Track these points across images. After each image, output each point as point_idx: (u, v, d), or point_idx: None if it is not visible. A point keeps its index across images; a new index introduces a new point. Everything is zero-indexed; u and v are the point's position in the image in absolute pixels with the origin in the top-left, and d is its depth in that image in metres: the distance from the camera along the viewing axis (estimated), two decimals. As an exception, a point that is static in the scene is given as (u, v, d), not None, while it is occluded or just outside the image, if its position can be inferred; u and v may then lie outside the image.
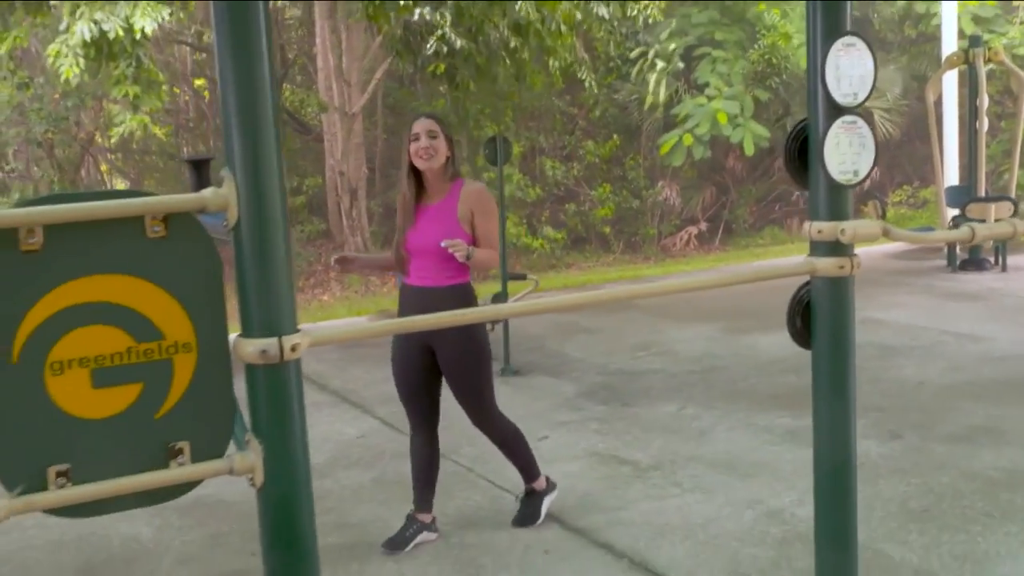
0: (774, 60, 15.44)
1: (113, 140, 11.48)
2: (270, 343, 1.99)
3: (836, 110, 2.31)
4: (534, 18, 9.76)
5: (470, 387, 3.99)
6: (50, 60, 8.98)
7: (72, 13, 8.67)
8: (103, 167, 16.52)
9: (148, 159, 17.94)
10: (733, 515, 4.01)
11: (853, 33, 2.32)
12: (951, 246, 10.70)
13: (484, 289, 8.12)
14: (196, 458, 2.08)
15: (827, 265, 2.33)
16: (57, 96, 12.22)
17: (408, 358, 4.00)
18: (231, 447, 2.04)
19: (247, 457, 2.06)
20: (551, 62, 11.09)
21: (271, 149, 1.99)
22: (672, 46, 15.95)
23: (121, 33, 8.56)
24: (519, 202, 15.86)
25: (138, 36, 8.71)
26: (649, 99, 15.86)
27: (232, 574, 3.85)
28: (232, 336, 2.00)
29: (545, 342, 7.79)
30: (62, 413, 1.98)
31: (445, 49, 10.16)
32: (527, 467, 4.19)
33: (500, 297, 6.65)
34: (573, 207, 16.94)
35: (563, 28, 10.10)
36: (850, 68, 2.31)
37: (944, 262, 10.82)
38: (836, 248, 2.32)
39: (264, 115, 1.96)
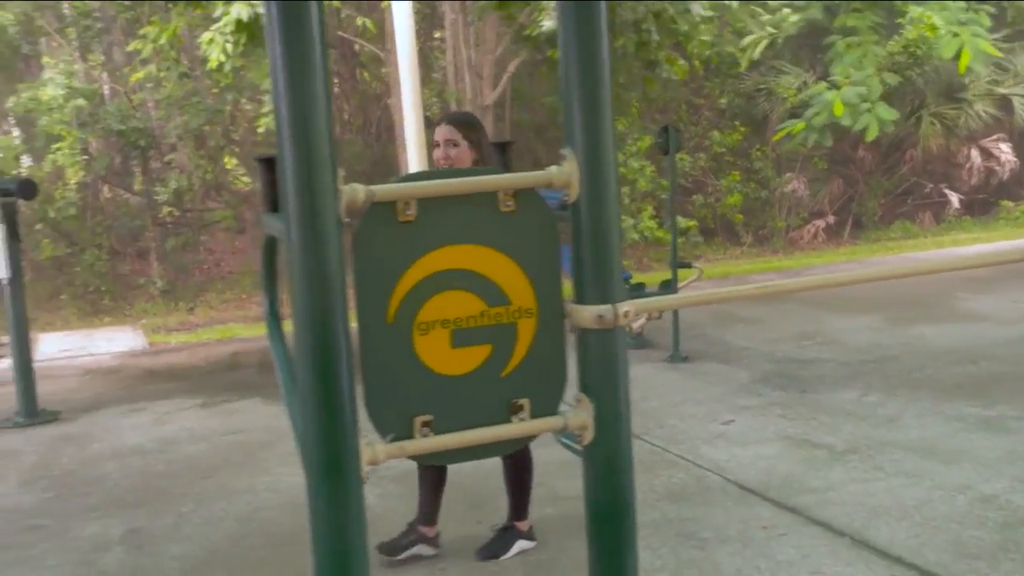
0: (917, 51, 15.10)
1: (260, 131, 11.93)
2: (606, 309, 2.13)
3: None
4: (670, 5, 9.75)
5: None
6: (203, 48, 9.27)
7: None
8: (227, 161, 17.04)
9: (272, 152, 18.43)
10: (945, 499, 4.06)
11: None
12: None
13: (650, 278, 8.26)
14: (534, 414, 2.26)
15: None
16: (216, 91, 12.74)
17: None
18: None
19: (579, 415, 2.21)
20: (690, 48, 11.07)
21: (607, 130, 2.13)
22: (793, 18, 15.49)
23: None
24: (649, 195, 15.90)
25: None
26: (744, 57, 15.31)
27: (460, 539, 4.06)
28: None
29: (705, 330, 7.89)
30: (427, 369, 2.17)
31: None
32: (523, 502, 3.94)
33: (669, 285, 6.76)
34: (700, 199, 16.88)
35: (702, 15, 10.08)
36: None
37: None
38: None
39: (603, 97, 2.10)
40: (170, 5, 9.88)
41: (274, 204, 2.58)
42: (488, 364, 2.20)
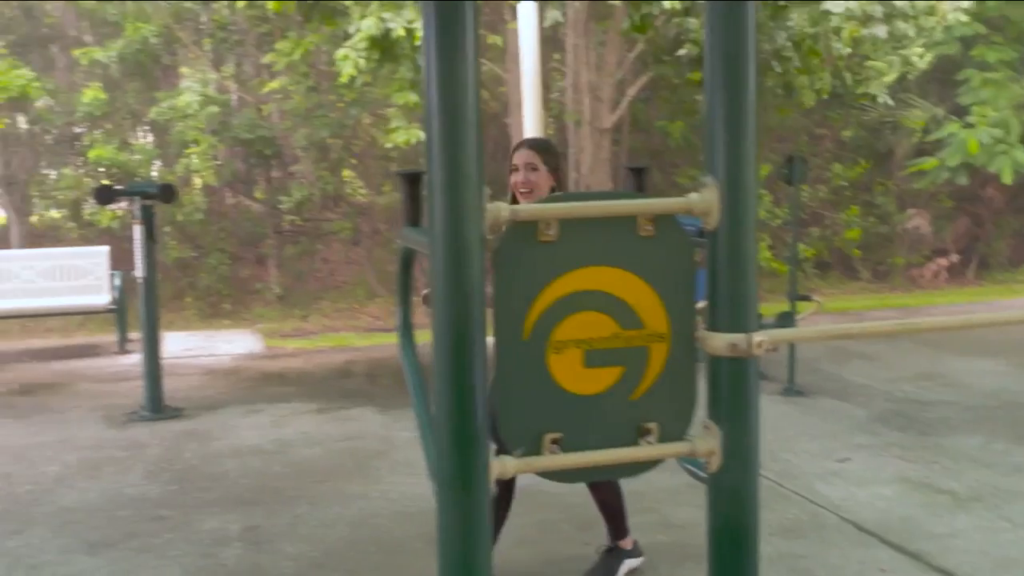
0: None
1: (389, 146, 12.16)
2: (740, 338, 2.12)
3: None
4: (811, 29, 9.62)
5: None
6: (337, 64, 9.52)
7: (360, 16, 9.17)
8: (345, 173, 17.39)
9: (390, 166, 18.76)
10: (1080, 556, 3.91)
11: None
12: None
13: (763, 309, 8.15)
14: (662, 438, 2.27)
15: None
16: (341, 104, 13.04)
17: None
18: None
19: (707, 442, 2.21)
20: (819, 77, 10.91)
21: (750, 159, 2.13)
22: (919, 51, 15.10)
23: (403, 33, 8.97)
24: (764, 225, 15.67)
25: (418, 42, 9.15)
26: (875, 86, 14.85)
27: (567, 559, 4.08)
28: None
29: (821, 364, 7.74)
30: (559, 387, 2.20)
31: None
32: (619, 521, 3.92)
33: (787, 317, 6.66)
34: (817, 231, 16.57)
35: (841, 44, 9.93)
36: None
37: None
38: None
39: (747, 126, 2.10)
40: (305, 24, 10.19)
41: (414, 218, 2.67)
42: (619, 386, 2.23)
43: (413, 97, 9.76)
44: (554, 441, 2.19)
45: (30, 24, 14.73)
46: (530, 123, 10.67)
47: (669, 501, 4.69)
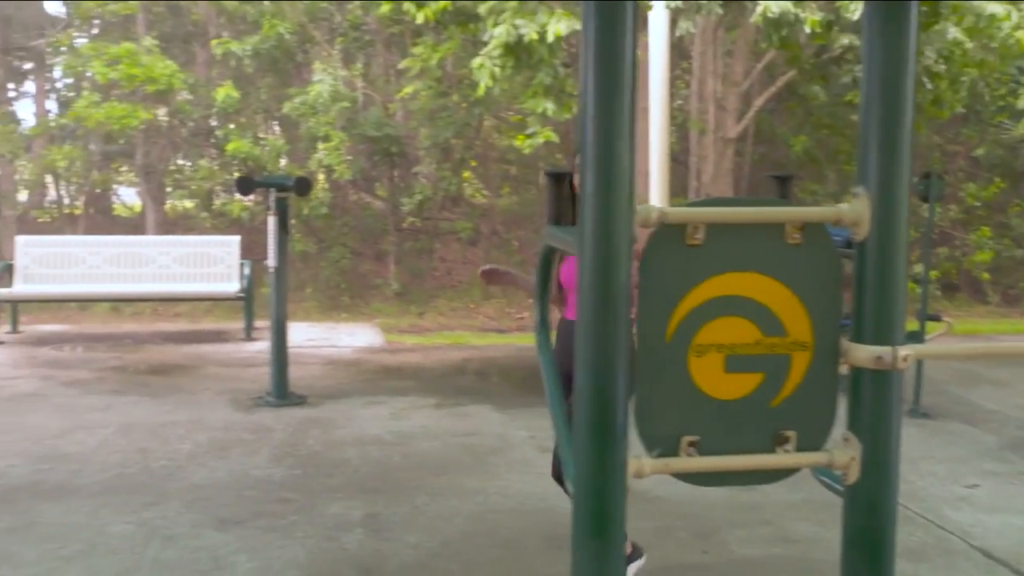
0: None
1: (525, 150, 12.23)
2: (885, 351, 2.10)
3: None
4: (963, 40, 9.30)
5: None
6: (474, 72, 9.62)
7: (493, 24, 9.25)
8: (465, 174, 17.59)
9: (509, 169, 18.89)
10: None
11: None
12: None
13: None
14: (800, 447, 2.25)
15: None
16: (464, 104, 13.22)
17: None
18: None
19: (846, 453, 2.19)
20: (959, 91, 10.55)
21: (904, 171, 2.10)
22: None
23: (535, 37, 9.00)
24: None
25: (550, 39, 9.15)
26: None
27: (685, 567, 4.07)
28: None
29: (948, 387, 7.51)
30: (698, 391, 2.21)
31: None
32: None
33: (916, 336, 6.49)
34: (946, 251, 16.07)
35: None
36: None
37: None
38: None
39: (902, 138, 2.08)
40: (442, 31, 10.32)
41: (557, 216, 2.71)
42: (758, 392, 2.22)
43: (550, 106, 9.71)
44: (691, 443, 2.21)
45: (175, 20, 15.35)
46: (655, 131, 10.63)
47: (787, 515, 4.63)
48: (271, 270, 6.83)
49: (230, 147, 12.86)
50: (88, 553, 4.10)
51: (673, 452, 2.21)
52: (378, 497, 4.87)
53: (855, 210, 2.11)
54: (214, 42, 13.61)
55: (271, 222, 6.72)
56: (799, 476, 5.04)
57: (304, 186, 6.84)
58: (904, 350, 2.12)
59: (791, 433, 2.24)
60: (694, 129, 14.85)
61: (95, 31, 15.77)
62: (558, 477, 3.67)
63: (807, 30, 9.49)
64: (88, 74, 13.58)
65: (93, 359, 8.50)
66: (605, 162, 2.00)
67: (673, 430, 2.19)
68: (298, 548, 4.19)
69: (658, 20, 10.65)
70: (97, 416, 6.41)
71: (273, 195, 6.68)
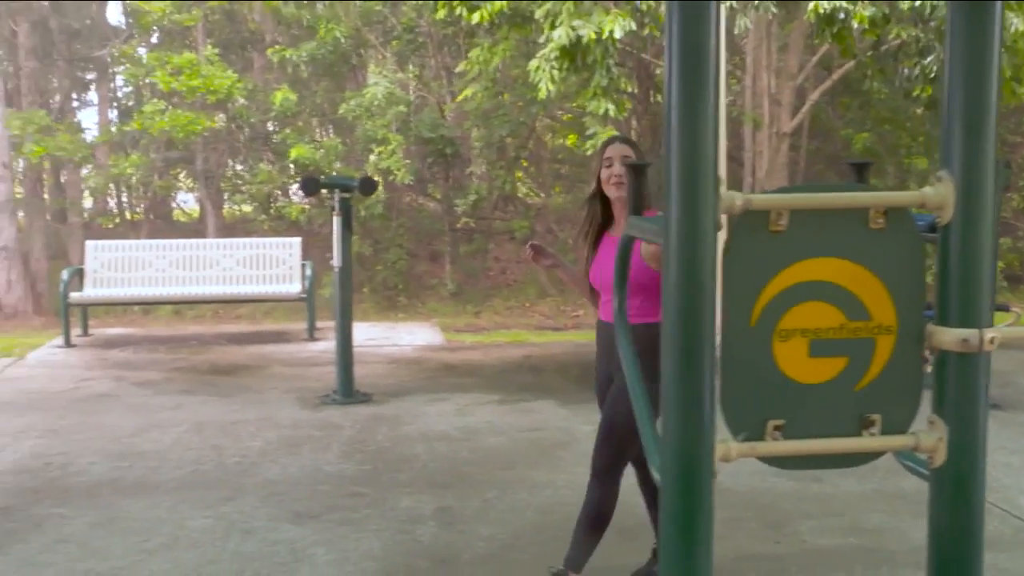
0: None
1: (588, 151, 12.26)
2: (971, 334, 2.10)
3: None
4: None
5: (622, 422, 3.48)
6: (531, 75, 9.65)
7: (551, 26, 9.28)
8: (517, 173, 17.64)
9: (560, 168, 18.92)
10: None
11: None
12: None
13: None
14: (885, 431, 2.26)
15: None
16: (520, 103, 13.29)
17: (600, 389, 3.74)
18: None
19: (931, 437, 2.20)
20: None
21: (989, 154, 2.10)
22: None
23: (593, 36, 9.00)
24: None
25: (604, 36, 9.14)
26: None
27: (758, 557, 4.08)
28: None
29: (1016, 378, 7.43)
30: (783, 375, 2.23)
31: (933, 72, 9.82)
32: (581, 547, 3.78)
33: (983, 326, 6.41)
34: (1008, 242, 15.81)
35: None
36: None
37: None
38: None
39: (987, 122, 2.08)
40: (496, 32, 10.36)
41: (638, 207, 2.74)
42: (843, 376, 2.24)
43: (611, 107, 9.67)
44: (776, 427, 2.23)
45: (232, 28, 15.60)
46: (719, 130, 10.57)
47: (858, 506, 4.62)
48: (336, 270, 6.94)
49: (293, 152, 13.04)
50: (170, 546, 4.21)
51: (759, 436, 2.23)
52: (448, 491, 4.93)
53: (939, 194, 2.11)
54: (270, 50, 13.82)
55: (336, 222, 6.82)
56: (868, 467, 5.03)
57: (369, 186, 6.94)
58: (991, 332, 2.12)
59: (876, 416, 2.25)
60: (748, 124, 14.76)
61: (155, 39, 16.06)
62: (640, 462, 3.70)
63: (856, 25, 9.41)
64: (147, 81, 13.88)
65: (161, 360, 8.68)
66: (690, 150, 2.03)
67: (758, 414, 2.21)
68: (373, 540, 4.26)
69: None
70: (169, 415, 6.56)
71: (338, 195, 6.78)
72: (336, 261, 6.89)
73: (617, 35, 9.09)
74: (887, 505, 4.64)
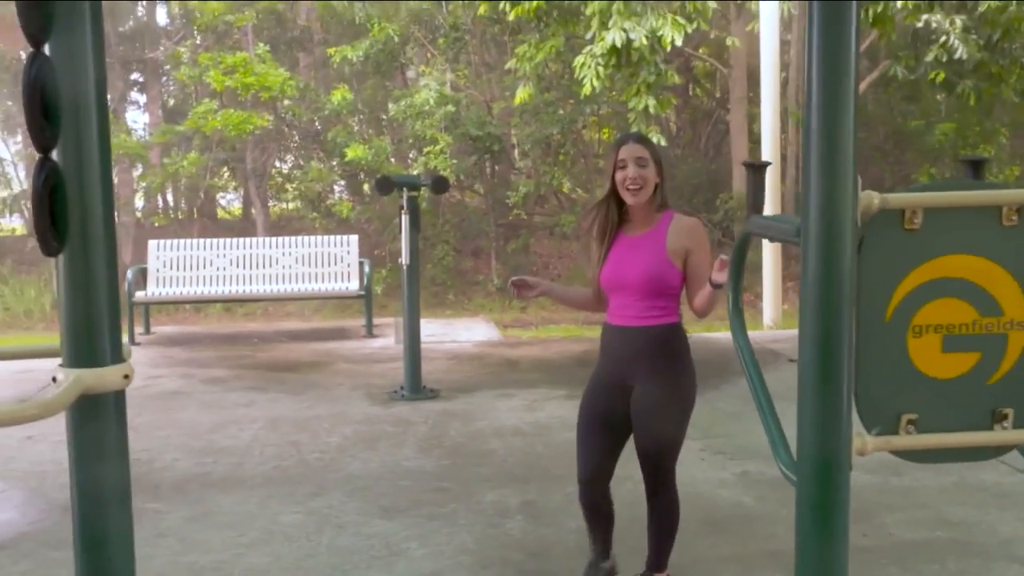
0: None
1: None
2: (1104, 328, 2.13)
3: None
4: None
5: (662, 438, 3.47)
6: (576, 71, 9.70)
7: (603, 23, 9.30)
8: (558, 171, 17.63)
9: (599, 163, 18.87)
10: None
11: None
12: None
13: None
14: (1017, 424, 2.30)
15: None
16: (572, 101, 13.36)
17: (604, 396, 3.54)
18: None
19: (1065, 430, 2.22)
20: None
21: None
22: None
23: (645, 42, 9.04)
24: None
25: (668, 47, 9.19)
26: None
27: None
28: None
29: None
30: (916, 370, 2.28)
31: (946, 57, 9.88)
32: (666, 553, 3.67)
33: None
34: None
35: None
36: None
37: None
38: None
39: None
40: (546, 27, 10.40)
41: (757, 206, 2.79)
42: (975, 371, 2.29)
43: (652, 102, 9.69)
44: (910, 422, 2.27)
45: (280, 28, 15.75)
46: (767, 124, 10.59)
47: (942, 500, 4.64)
48: (404, 267, 7.02)
49: (349, 152, 13.15)
50: (267, 540, 4.30)
51: (893, 430, 2.28)
52: (530, 486, 5.00)
53: (1070, 191, 2.15)
54: (331, 50, 13.94)
55: (404, 220, 6.90)
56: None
57: (441, 184, 7.01)
58: (1123, 327, 2.16)
59: (1009, 410, 2.30)
60: (793, 119, 14.70)
61: (199, 40, 16.24)
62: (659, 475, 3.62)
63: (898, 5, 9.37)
64: (199, 82, 14.06)
65: (226, 357, 8.82)
66: (830, 152, 2.08)
67: (893, 408, 2.26)
68: (464, 535, 4.34)
69: (770, 17, 10.60)
70: (243, 412, 6.67)
71: (405, 194, 6.86)
72: (404, 259, 6.98)
73: (678, 43, 9.10)
74: (970, 498, 4.66)
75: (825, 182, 2.06)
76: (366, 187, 15.63)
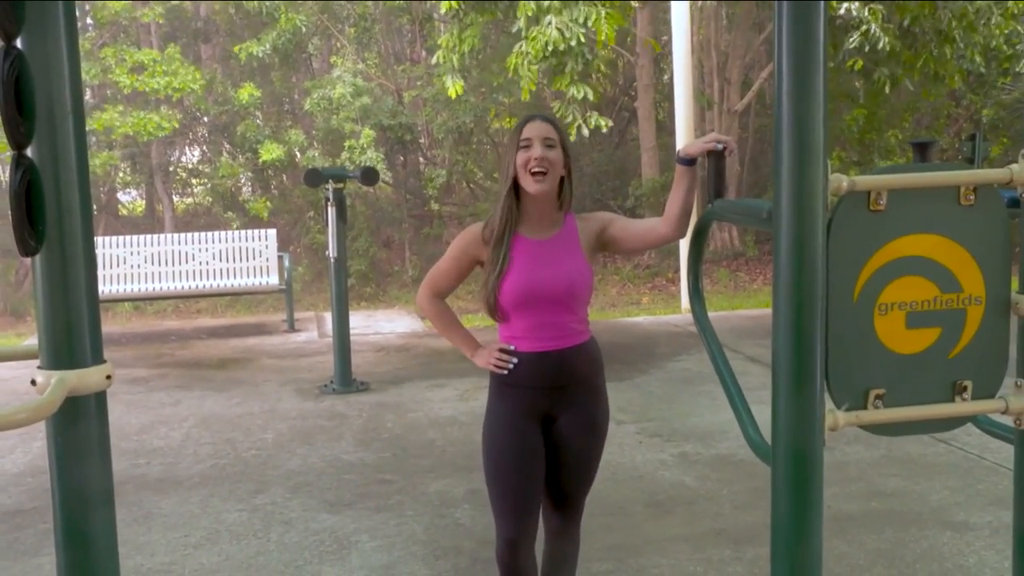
0: None
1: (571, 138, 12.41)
2: (1054, 302, 2.24)
3: None
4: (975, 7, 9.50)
5: (589, 475, 3.07)
6: (510, 71, 9.66)
7: (537, 21, 9.21)
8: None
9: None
10: None
11: None
12: None
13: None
14: (975, 396, 2.41)
15: None
16: (483, 90, 13.37)
17: (523, 434, 3.01)
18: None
19: (1020, 400, 2.34)
20: (972, 57, 10.74)
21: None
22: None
23: (583, 41, 9.02)
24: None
25: (602, 45, 9.23)
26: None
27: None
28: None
29: None
30: (882, 346, 2.36)
31: (867, 46, 10.17)
32: None
33: None
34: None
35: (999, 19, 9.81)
36: None
37: None
38: None
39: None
40: (461, 15, 10.34)
41: (718, 191, 2.84)
42: (937, 346, 2.38)
43: (588, 91, 9.68)
44: (878, 396, 2.35)
45: (180, 21, 15.38)
46: (680, 108, 10.76)
47: (873, 472, 4.81)
48: (331, 260, 6.95)
49: (264, 154, 12.92)
50: (213, 540, 4.24)
51: (862, 405, 2.36)
52: (473, 475, 5.01)
53: (1025, 171, 2.25)
54: (236, 47, 13.67)
55: (330, 212, 6.83)
56: (866, 435, 5.17)
57: (371, 176, 6.94)
58: (1075, 299, 2.27)
59: (968, 383, 2.39)
60: (700, 103, 14.97)
61: (93, 33, 15.76)
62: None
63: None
64: (99, 81, 13.65)
65: (144, 356, 8.60)
66: (800, 135, 2.13)
67: (861, 384, 2.34)
68: (413, 525, 4.34)
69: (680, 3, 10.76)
70: (171, 411, 6.54)
71: (331, 186, 6.78)
72: (331, 251, 6.91)
73: (614, 40, 9.14)
74: (900, 469, 4.84)
75: (796, 166, 2.11)
76: (273, 184, 15.40)
